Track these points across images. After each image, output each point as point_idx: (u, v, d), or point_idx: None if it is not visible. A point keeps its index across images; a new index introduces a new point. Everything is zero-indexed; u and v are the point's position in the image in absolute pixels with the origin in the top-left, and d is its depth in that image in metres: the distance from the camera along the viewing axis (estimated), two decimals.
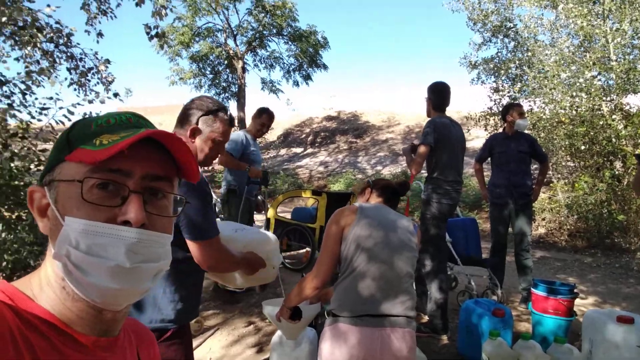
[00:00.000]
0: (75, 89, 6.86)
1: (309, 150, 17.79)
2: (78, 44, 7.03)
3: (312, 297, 2.03)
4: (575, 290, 3.56)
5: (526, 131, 4.69)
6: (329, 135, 18.56)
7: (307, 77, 16.96)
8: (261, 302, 2.97)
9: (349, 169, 14.05)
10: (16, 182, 4.12)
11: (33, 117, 4.93)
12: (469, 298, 4.15)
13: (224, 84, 17.23)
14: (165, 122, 26.61)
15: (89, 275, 0.58)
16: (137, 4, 5.44)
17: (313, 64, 16.60)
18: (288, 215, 6.14)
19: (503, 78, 10.61)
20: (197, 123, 1.75)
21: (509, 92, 10.48)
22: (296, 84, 17.12)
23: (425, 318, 3.81)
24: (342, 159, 15.72)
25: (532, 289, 3.65)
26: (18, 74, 5.91)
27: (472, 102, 12.71)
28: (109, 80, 7.10)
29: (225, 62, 16.50)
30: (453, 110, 16.85)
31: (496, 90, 10.80)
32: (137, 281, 0.60)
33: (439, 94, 3.73)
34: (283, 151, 18.46)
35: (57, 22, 7.08)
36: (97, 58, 7.05)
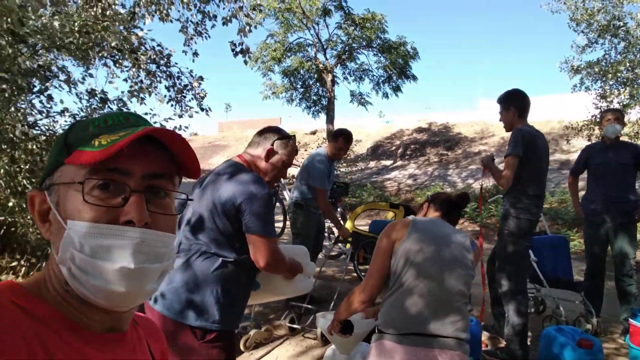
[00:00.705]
0: (172, 105, 7.42)
1: (399, 163, 17.52)
2: (176, 63, 7.60)
3: (360, 311, 1.97)
4: None
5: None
6: (419, 148, 18.15)
7: (397, 89, 16.77)
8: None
9: (438, 182, 13.58)
10: None
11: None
12: (556, 325, 3.76)
13: (314, 97, 17.60)
14: None
15: (95, 278, 0.58)
16: (224, 23, 5.77)
17: (402, 75, 16.38)
18: (367, 228, 6.06)
19: (611, 83, 9.61)
20: (272, 145, 2.00)
21: (617, 98, 9.47)
22: (385, 95, 17.00)
23: (503, 343, 3.52)
24: (431, 171, 15.26)
25: (630, 319, 3.21)
26: (122, 92, 6.54)
27: (573, 111, 11.62)
28: (201, 95, 7.59)
29: (315, 75, 16.87)
30: (554, 120, 15.63)
31: (603, 96, 9.80)
32: (142, 282, 0.60)
33: (522, 101, 3.46)
34: (372, 164, 18.37)
35: (158, 45, 7.76)
36: (192, 75, 7.56)
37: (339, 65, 16.61)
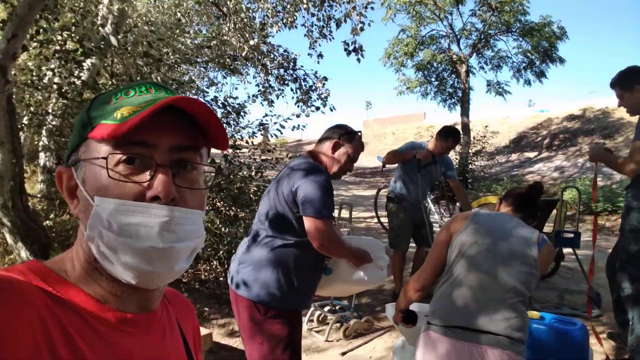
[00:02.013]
0: (299, 106, 7.91)
1: (544, 155, 16.00)
2: (302, 66, 8.08)
3: (415, 300, 1.99)
4: None
5: None
6: (569, 137, 16.33)
7: (541, 75, 15.34)
8: None
9: (589, 175, 12.12)
10: (242, 187, 5.06)
11: (254, 133, 5.97)
12: None
13: (450, 90, 17.01)
14: (398, 130, 27.83)
15: (123, 256, 0.56)
16: (337, 25, 5.99)
17: (548, 59, 14.92)
18: None
19: None
20: (338, 139, 2.15)
21: None
22: (527, 82, 15.68)
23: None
24: (582, 163, 13.64)
25: None
26: (249, 96, 7.21)
27: None
28: (324, 95, 7.96)
29: (450, 67, 16.30)
30: None
31: None
32: (171, 262, 0.58)
33: None
34: (514, 156, 17.09)
35: (284, 51, 8.34)
36: (316, 77, 7.98)
37: (474, 54, 15.79)
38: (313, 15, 6.99)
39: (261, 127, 6.00)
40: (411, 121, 28.10)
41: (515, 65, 15.73)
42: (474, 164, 14.42)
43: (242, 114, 5.76)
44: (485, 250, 1.78)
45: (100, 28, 4.26)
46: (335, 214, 5.89)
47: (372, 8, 5.79)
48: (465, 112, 15.36)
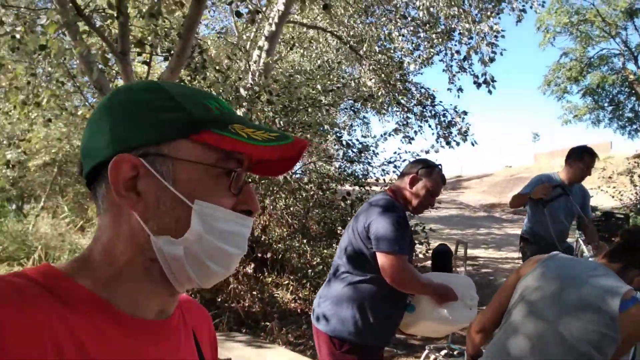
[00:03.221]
0: (439, 142, 7.78)
1: None
2: (440, 102, 8.00)
3: (478, 343, 1.82)
4: None
5: None
6: None
7: None
8: None
9: None
10: None
11: (384, 171, 6.06)
12: None
13: (630, 115, 14.84)
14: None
15: (212, 260, 0.59)
16: (464, 59, 5.81)
17: None
18: None
19: None
20: (417, 173, 2.16)
21: None
22: None
23: None
24: None
25: None
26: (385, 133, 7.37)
27: None
28: (464, 130, 7.69)
29: (627, 89, 14.28)
30: None
31: None
32: (234, 267, 0.64)
33: None
34: None
35: (422, 87, 8.36)
36: (455, 111, 7.78)
37: None
38: (444, 51, 6.94)
39: (388, 164, 6.07)
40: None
41: None
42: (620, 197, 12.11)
43: (371, 152, 5.92)
44: (550, 297, 1.55)
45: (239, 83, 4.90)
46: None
47: (503, 36, 5.50)
48: None
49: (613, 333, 1.49)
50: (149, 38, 3.78)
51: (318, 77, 7.51)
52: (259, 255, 4.88)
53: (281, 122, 4.11)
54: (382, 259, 1.96)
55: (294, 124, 4.50)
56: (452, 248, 5.95)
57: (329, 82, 6.69)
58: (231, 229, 0.60)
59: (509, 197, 4.10)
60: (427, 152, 6.49)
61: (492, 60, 5.67)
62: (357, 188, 5.51)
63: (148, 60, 3.90)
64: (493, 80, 5.73)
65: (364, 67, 7.88)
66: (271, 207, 4.75)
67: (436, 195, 2.19)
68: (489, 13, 5.68)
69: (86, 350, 0.51)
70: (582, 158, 3.65)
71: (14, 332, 0.47)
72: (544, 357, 1.50)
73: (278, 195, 5.01)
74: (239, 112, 4.68)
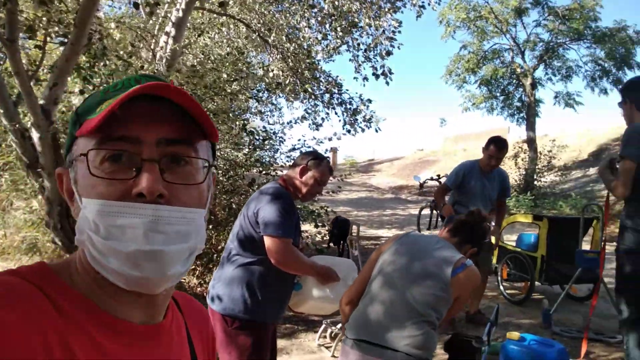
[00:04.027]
0: (346, 129, 8.17)
1: None
2: (347, 90, 8.37)
3: (348, 313, 2.06)
4: None
5: None
6: None
7: (618, 82, 14.29)
8: None
9: None
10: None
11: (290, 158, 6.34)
12: None
13: (518, 104, 16.34)
14: (469, 147, 26.92)
15: (112, 261, 0.53)
16: (365, 50, 6.21)
17: (625, 65, 13.91)
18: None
19: None
20: (307, 164, 2.37)
21: None
22: (604, 92, 14.68)
23: None
24: None
25: None
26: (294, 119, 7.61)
27: None
28: (368, 117, 8.15)
29: (515, 81, 15.74)
30: None
31: None
32: (162, 266, 0.54)
33: None
34: (592, 170, 15.94)
35: (329, 75, 8.68)
36: (361, 99, 8.20)
37: (540, 66, 15.12)
38: (350, 42, 7.29)
39: (291, 152, 6.37)
40: (481, 138, 26.92)
41: (589, 74, 14.81)
42: (541, 180, 13.70)
43: (278, 139, 6.13)
44: (400, 269, 1.89)
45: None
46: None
47: (400, 32, 5.96)
48: (530, 127, 14.70)
49: (447, 295, 1.85)
50: (42, 24, 3.67)
51: (227, 64, 7.55)
52: None
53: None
54: (268, 242, 2.17)
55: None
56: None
57: (237, 70, 6.77)
58: (117, 222, 0.52)
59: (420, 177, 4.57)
60: (329, 139, 6.82)
61: (389, 53, 6.10)
62: (264, 174, 5.73)
63: (42, 45, 3.80)
64: (390, 72, 6.18)
65: (272, 55, 8.06)
66: None
67: (324, 184, 2.44)
68: (386, 9, 6.08)
69: (75, 356, 0.50)
70: (488, 147, 4.14)
71: (5, 332, 0.46)
72: (393, 319, 1.81)
73: None
74: None
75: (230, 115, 5.46)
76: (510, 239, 6.12)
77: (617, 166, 2.92)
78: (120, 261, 0.52)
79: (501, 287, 5.05)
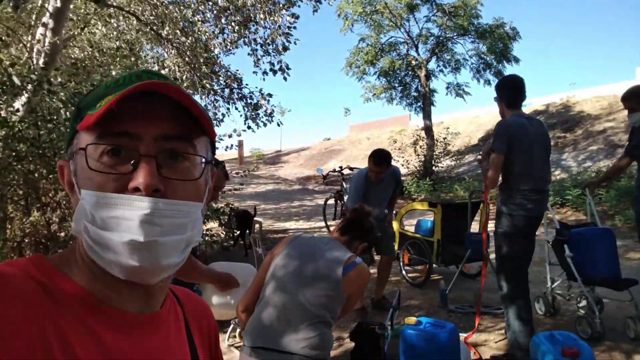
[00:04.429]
0: (247, 124, 8.06)
1: None
2: (247, 84, 8.24)
3: (244, 320, 2.05)
4: None
5: None
6: None
7: (499, 74, 15.64)
8: None
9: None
10: None
11: None
12: (590, 328, 3.41)
13: (415, 94, 17.24)
14: (372, 136, 28.00)
15: (108, 251, 0.54)
16: (262, 45, 6.17)
17: (503, 59, 15.25)
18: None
19: None
20: None
21: None
22: (488, 83, 15.98)
23: None
24: None
25: None
26: None
27: None
28: (269, 112, 8.11)
29: (411, 72, 16.57)
30: None
31: None
32: (158, 256, 0.55)
33: (513, 89, 3.23)
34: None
35: (228, 70, 8.48)
36: (261, 94, 8.13)
37: (433, 58, 16.09)
38: (247, 36, 7.18)
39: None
40: (396, 124, 27.98)
41: (474, 67, 16.03)
42: (438, 166, 14.67)
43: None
44: (292, 272, 1.90)
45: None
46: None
47: (295, 27, 5.98)
48: (427, 116, 15.61)
49: (339, 294, 1.89)
50: None
51: (117, 58, 7.08)
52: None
53: (67, 113, 3.86)
54: None
55: None
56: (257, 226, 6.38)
57: (128, 66, 6.38)
58: (112, 214, 0.54)
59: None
60: (229, 136, 6.70)
61: (285, 49, 6.10)
62: None
63: None
64: (288, 68, 6.18)
65: (167, 49, 7.70)
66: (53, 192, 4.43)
67: (219, 189, 2.44)
68: (281, 5, 6.07)
69: (72, 347, 0.51)
70: (368, 161, 4.28)
71: (3, 325, 0.47)
72: (288, 323, 1.82)
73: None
74: (17, 103, 4.23)
75: None
76: (411, 223, 6.47)
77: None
78: (116, 251, 0.54)
79: (403, 272, 5.33)
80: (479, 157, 3.44)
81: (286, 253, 1.97)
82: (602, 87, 19.40)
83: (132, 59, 7.21)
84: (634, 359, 3.19)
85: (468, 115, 22.95)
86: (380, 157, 4.25)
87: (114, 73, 5.33)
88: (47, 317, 0.51)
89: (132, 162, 0.56)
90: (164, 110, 0.58)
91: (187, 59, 7.47)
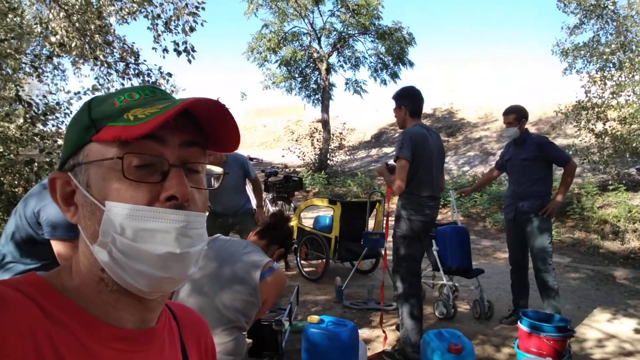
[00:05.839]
0: None
1: None
2: (145, 60, 7.66)
3: None
4: (570, 327, 3.02)
5: None
6: None
7: (394, 75, 16.54)
8: None
9: None
10: None
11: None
12: (444, 308, 4.08)
13: (314, 86, 17.51)
14: (269, 123, 27.93)
15: (137, 262, 0.55)
16: (166, 24, 5.80)
17: (399, 61, 16.13)
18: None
19: (598, 65, 9.22)
20: None
21: (609, 82, 9.01)
22: (384, 82, 16.80)
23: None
24: None
25: (518, 322, 3.17)
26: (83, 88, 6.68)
27: (567, 95, 11.12)
28: (169, 92, 7.66)
29: (312, 64, 16.78)
30: (548, 104, 15.06)
31: (593, 80, 9.41)
32: (185, 267, 0.57)
33: (414, 99, 3.41)
34: (374, 151, 18.23)
35: (123, 42, 7.83)
36: (160, 72, 7.62)
37: (334, 53, 16.45)
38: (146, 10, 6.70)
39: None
40: (291, 113, 27.85)
41: (373, 66, 16.73)
42: (333, 160, 15.10)
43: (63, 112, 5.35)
44: (208, 275, 1.85)
45: None
46: None
47: (204, 8, 5.70)
48: (325, 109, 15.96)
49: (256, 299, 1.87)
50: None
51: None
52: None
53: None
54: (58, 247, 1.88)
55: None
56: None
57: (7, 27, 5.57)
58: (146, 226, 0.54)
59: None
60: None
61: (192, 29, 5.80)
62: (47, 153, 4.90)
63: None
64: (193, 50, 5.89)
65: (53, 10, 6.87)
66: None
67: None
68: None
69: None
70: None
71: (3, 342, 0.47)
72: None
73: None
74: None
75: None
76: (307, 217, 6.59)
77: (394, 165, 3.37)
78: (149, 263, 0.54)
79: (299, 266, 5.41)
80: (377, 165, 3.62)
81: (205, 255, 1.89)
82: (480, 97, 21.41)
83: (12, 16, 6.30)
84: (478, 336, 3.77)
85: (363, 112, 23.91)
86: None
87: None
88: (42, 334, 0.51)
89: (160, 171, 0.57)
90: (182, 119, 0.59)
91: (77, 24, 6.74)
